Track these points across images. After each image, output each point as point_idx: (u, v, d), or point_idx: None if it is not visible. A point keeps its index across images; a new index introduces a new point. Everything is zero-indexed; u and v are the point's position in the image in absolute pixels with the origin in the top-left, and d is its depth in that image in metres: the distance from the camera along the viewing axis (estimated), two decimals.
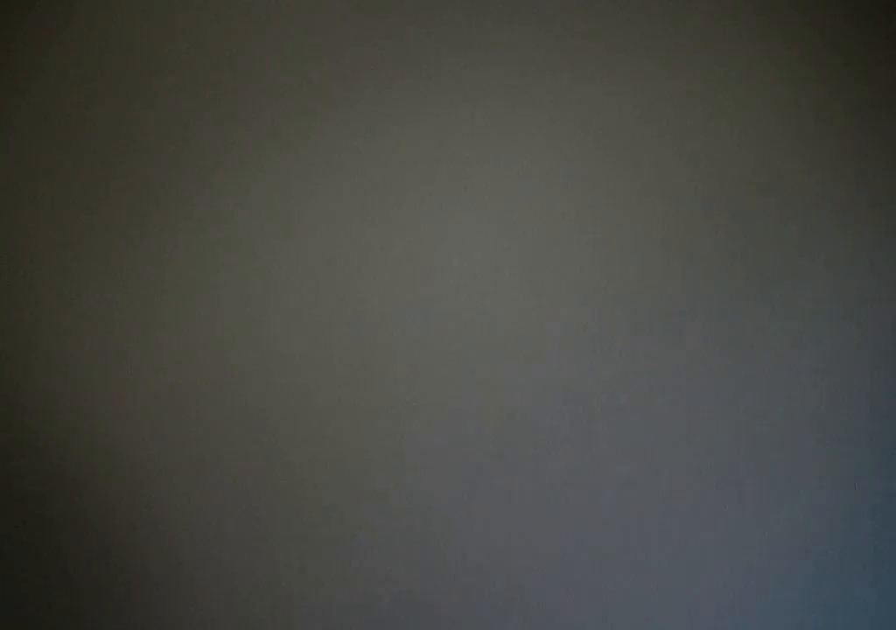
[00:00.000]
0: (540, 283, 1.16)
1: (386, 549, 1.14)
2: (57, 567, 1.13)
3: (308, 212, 1.16)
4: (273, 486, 1.14)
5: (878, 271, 1.16)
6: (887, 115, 1.18)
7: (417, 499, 1.14)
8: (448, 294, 1.16)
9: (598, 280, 1.16)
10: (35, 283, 1.15)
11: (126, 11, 1.16)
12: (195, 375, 1.14)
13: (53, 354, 1.14)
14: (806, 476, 1.14)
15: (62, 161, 1.16)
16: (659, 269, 1.17)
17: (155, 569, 1.12)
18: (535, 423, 1.15)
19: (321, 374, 1.14)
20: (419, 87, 1.17)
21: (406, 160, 1.16)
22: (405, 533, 1.14)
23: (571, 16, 1.17)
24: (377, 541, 1.14)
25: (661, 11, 1.17)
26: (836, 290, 1.16)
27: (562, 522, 1.15)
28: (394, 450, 1.14)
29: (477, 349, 1.15)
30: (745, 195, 1.17)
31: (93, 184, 1.16)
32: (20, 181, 1.16)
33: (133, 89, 1.17)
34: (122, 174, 1.17)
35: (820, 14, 1.18)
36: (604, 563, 1.14)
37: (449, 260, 1.16)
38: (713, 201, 1.17)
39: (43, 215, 1.15)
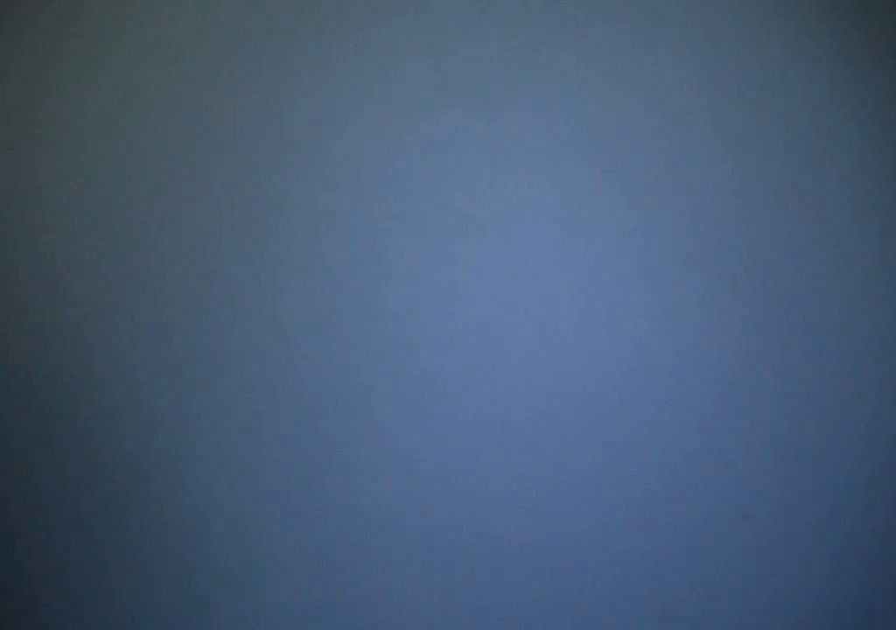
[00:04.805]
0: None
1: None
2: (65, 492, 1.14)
3: (321, 210, 1.16)
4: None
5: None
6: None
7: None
8: (463, 292, 1.16)
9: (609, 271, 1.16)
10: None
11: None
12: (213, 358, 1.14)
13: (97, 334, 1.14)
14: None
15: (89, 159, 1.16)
16: (669, 263, 1.16)
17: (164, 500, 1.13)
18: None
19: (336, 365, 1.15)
20: (428, 87, 1.17)
21: (418, 162, 1.16)
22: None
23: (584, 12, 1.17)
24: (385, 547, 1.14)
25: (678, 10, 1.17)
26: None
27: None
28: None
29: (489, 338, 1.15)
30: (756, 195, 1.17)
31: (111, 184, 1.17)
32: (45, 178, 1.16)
33: (133, 86, 1.17)
34: (129, 173, 1.17)
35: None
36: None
37: (463, 258, 1.16)
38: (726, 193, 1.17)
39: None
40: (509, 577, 1.14)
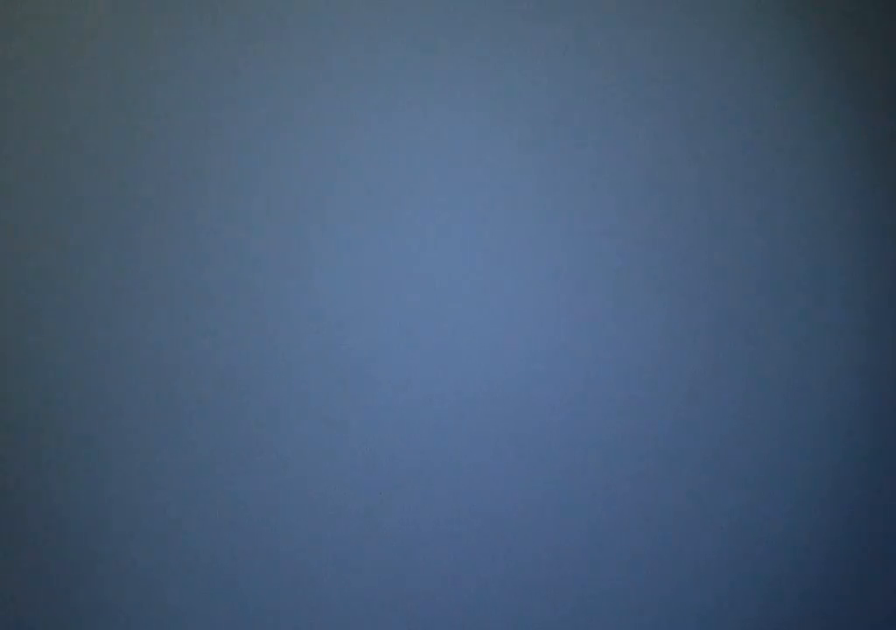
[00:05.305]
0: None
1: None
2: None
3: (302, 207, 1.16)
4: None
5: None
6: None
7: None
8: (439, 286, 1.16)
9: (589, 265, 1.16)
10: (34, 281, 1.15)
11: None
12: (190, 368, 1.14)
13: (58, 345, 1.14)
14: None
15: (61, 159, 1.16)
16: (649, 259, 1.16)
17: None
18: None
19: (309, 367, 1.14)
20: (417, 83, 1.17)
21: (397, 156, 1.16)
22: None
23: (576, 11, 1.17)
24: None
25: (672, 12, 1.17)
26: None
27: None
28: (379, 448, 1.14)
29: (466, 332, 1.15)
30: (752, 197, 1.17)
31: (91, 182, 1.16)
32: (20, 181, 1.16)
33: (135, 86, 1.17)
34: (123, 171, 1.17)
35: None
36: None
37: (442, 252, 1.16)
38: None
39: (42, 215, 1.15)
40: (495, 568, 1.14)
